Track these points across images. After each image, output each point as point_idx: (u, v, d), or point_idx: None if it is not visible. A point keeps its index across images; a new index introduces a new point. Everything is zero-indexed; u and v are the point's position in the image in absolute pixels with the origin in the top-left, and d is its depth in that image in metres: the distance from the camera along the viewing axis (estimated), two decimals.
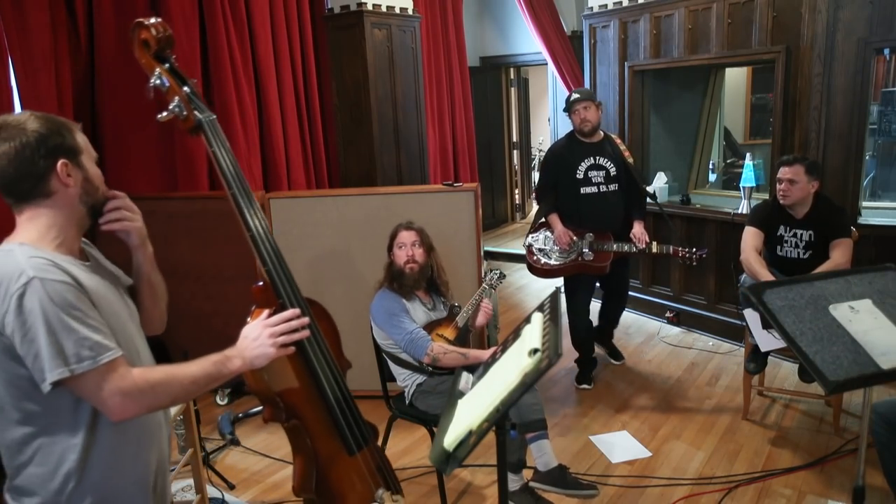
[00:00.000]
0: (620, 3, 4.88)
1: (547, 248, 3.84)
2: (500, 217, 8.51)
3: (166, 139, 3.96)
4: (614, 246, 3.71)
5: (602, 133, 3.80)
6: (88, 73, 3.76)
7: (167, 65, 1.71)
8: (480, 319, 2.93)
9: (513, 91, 8.42)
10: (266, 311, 1.71)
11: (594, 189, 3.74)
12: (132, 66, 3.78)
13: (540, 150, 10.43)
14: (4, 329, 1.28)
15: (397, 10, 4.79)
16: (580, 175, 3.73)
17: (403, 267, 2.86)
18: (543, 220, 3.91)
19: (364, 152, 4.79)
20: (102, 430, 1.40)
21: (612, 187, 3.75)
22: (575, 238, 3.77)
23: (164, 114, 1.74)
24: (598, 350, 4.24)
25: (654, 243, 3.70)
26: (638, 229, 3.76)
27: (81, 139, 1.43)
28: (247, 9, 4.22)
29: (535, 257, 3.88)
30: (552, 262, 3.81)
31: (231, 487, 3.12)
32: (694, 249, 3.61)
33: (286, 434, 2.04)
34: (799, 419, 3.52)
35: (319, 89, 4.79)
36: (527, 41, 7.17)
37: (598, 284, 4.10)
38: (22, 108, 3.41)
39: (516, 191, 8.81)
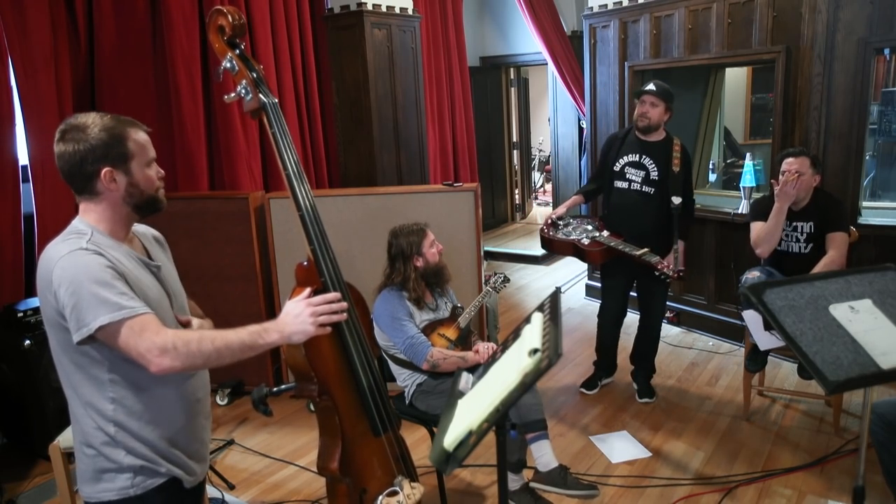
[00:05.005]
0: (620, 3, 4.88)
1: (562, 224, 3.79)
2: (500, 217, 8.52)
3: (166, 139, 3.96)
4: (612, 242, 3.52)
5: (665, 134, 3.61)
6: (88, 73, 3.76)
7: (238, 51, 1.89)
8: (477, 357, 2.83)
9: (513, 91, 8.42)
10: (308, 290, 1.76)
11: (625, 185, 3.60)
12: (132, 66, 3.84)
13: (540, 150, 10.43)
14: (56, 298, 1.47)
15: (397, 10, 4.79)
16: (616, 168, 3.62)
17: (440, 261, 2.89)
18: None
19: (364, 152, 4.79)
20: (134, 393, 1.58)
21: (648, 189, 3.54)
22: (560, 221, 3.77)
23: (232, 95, 1.92)
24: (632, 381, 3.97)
25: (647, 250, 3.40)
26: (680, 250, 3.48)
27: (135, 146, 1.59)
28: (247, 9, 4.21)
29: (545, 229, 3.80)
30: (557, 234, 3.73)
31: (231, 487, 3.12)
32: (672, 267, 3.34)
33: (315, 411, 2.12)
34: (799, 419, 3.52)
35: (319, 89, 4.79)
36: (527, 41, 7.18)
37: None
38: (22, 108, 3.42)
39: (516, 191, 8.81)
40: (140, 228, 1.75)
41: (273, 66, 4.38)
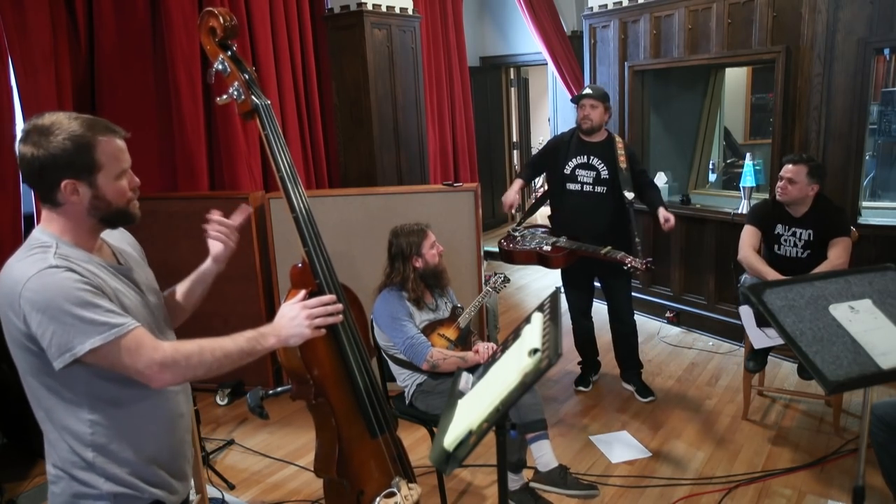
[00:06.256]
0: (620, 3, 4.88)
1: (518, 235, 3.84)
2: (500, 217, 8.51)
3: (166, 139, 3.96)
4: (573, 245, 3.58)
5: (607, 133, 3.72)
6: (88, 73, 3.76)
7: (230, 52, 1.87)
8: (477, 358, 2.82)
9: (513, 91, 8.42)
10: (303, 292, 1.76)
11: (577, 187, 3.69)
12: (132, 66, 3.84)
13: None
14: (27, 323, 1.36)
15: (397, 10, 4.79)
16: (567, 171, 3.70)
17: (440, 263, 2.89)
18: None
19: (364, 152, 4.79)
20: (113, 412, 1.50)
21: (600, 189, 3.65)
22: (516, 233, 3.83)
23: (224, 97, 1.89)
24: (627, 385, 3.98)
25: (610, 248, 3.46)
26: (663, 214, 3.55)
27: (105, 156, 1.43)
28: (247, 9, 4.21)
29: (504, 242, 3.85)
30: (517, 246, 3.78)
31: (231, 487, 3.12)
32: (639, 260, 3.31)
33: (311, 413, 2.10)
34: (799, 419, 3.52)
35: (319, 89, 4.79)
36: (527, 41, 7.17)
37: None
38: (22, 108, 3.42)
39: None
40: (111, 236, 1.64)
41: (273, 66, 4.38)
